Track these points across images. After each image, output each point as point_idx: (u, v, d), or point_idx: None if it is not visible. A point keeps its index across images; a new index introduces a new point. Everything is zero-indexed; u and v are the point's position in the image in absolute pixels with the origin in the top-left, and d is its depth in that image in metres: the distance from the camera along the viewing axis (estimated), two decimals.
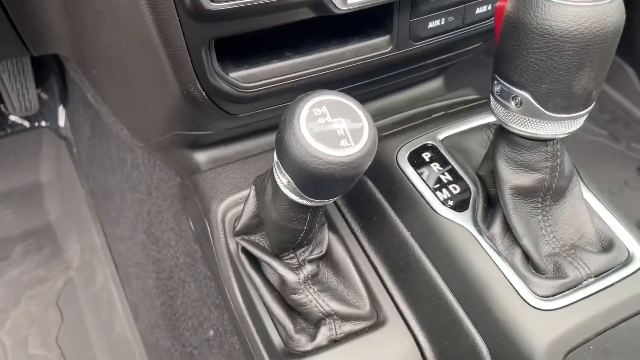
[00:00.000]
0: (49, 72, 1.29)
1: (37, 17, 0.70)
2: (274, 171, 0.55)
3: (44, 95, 1.34)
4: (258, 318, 0.69)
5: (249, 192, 0.66)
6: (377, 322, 0.66)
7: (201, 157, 0.80)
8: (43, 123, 1.35)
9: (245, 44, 0.62)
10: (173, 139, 0.76)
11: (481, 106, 0.75)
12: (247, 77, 0.63)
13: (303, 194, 0.53)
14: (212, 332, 0.89)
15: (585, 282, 0.58)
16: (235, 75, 0.62)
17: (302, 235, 0.61)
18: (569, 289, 0.57)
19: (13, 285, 1.17)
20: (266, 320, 0.68)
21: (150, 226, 1.01)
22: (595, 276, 0.58)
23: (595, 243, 0.61)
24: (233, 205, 0.74)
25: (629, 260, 0.60)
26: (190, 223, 0.85)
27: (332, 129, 0.48)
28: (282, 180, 0.53)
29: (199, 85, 0.60)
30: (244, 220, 0.67)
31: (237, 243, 0.70)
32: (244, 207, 0.67)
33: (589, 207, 0.63)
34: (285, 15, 0.58)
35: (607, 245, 0.61)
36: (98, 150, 1.17)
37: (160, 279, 0.99)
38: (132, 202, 1.06)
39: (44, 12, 0.69)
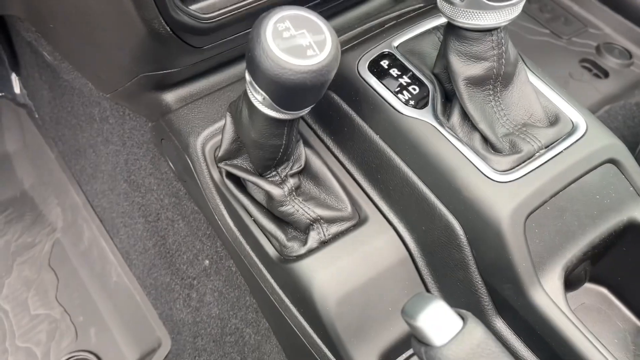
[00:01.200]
0: None
1: None
2: (248, 91, 0.59)
3: None
4: (251, 235, 0.75)
5: (225, 119, 0.70)
6: (359, 220, 0.72)
7: (170, 97, 0.83)
8: None
9: None
10: (140, 82, 0.79)
11: (428, 11, 0.80)
12: (207, 7, 0.66)
13: (279, 107, 0.57)
14: (207, 262, 0.95)
15: (537, 154, 0.65)
16: (195, 7, 0.65)
17: (281, 150, 0.66)
18: (524, 162, 0.64)
19: (2, 255, 1.20)
20: (258, 235, 0.74)
21: (130, 174, 1.04)
22: (546, 147, 0.66)
23: (544, 119, 0.68)
24: (210, 136, 0.78)
25: (573, 129, 0.67)
26: (170, 163, 0.88)
27: (298, 41, 0.52)
28: (257, 97, 0.57)
29: (162, 20, 0.62)
30: (224, 146, 0.71)
31: (220, 171, 0.75)
32: (222, 134, 0.71)
33: (535, 88, 0.70)
34: None
35: (554, 119, 0.68)
36: (62, 111, 1.18)
37: (148, 222, 1.03)
38: (108, 155, 1.08)
39: None
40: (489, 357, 0.44)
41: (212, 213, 0.81)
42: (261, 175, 0.71)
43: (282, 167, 0.71)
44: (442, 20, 0.76)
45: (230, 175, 0.74)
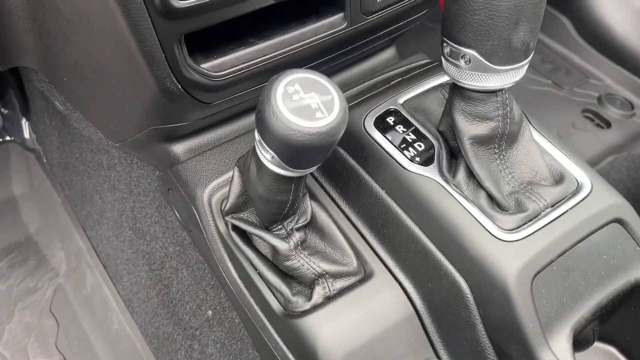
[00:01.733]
0: (7, 86, 1.29)
1: (3, 32, 0.72)
2: (257, 149, 0.60)
3: (5, 110, 1.34)
4: (255, 289, 0.75)
5: (233, 173, 0.71)
6: (365, 275, 0.72)
7: (178, 148, 0.84)
8: (8, 138, 1.35)
9: (210, 35, 0.66)
10: (150, 134, 0.80)
11: (434, 68, 0.82)
12: (217, 66, 0.67)
13: (287, 166, 0.58)
14: (210, 312, 0.94)
15: (543, 213, 0.65)
16: (206, 65, 0.66)
17: (288, 205, 0.66)
18: (530, 220, 0.65)
19: (4, 299, 1.19)
20: (263, 289, 0.73)
21: (135, 222, 1.04)
22: (552, 206, 0.66)
23: (549, 178, 0.69)
24: (217, 189, 0.79)
25: (578, 189, 0.68)
26: (176, 213, 0.89)
27: (307, 103, 0.54)
28: (266, 156, 0.58)
29: (174, 79, 0.64)
30: (231, 200, 0.72)
31: (226, 223, 0.75)
32: (230, 188, 0.72)
33: (539, 147, 0.70)
34: (247, 4, 0.62)
35: (559, 178, 0.69)
36: (70, 157, 1.19)
37: (152, 270, 1.03)
38: (114, 202, 1.09)
39: (10, 27, 0.71)
40: None
41: (216, 264, 0.81)
42: (267, 228, 0.71)
43: (288, 220, 0.71)
44: (447, 78, 0.77)
45: (236, 228, 0.74)
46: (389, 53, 0.96)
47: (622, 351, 0.74)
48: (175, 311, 0.99)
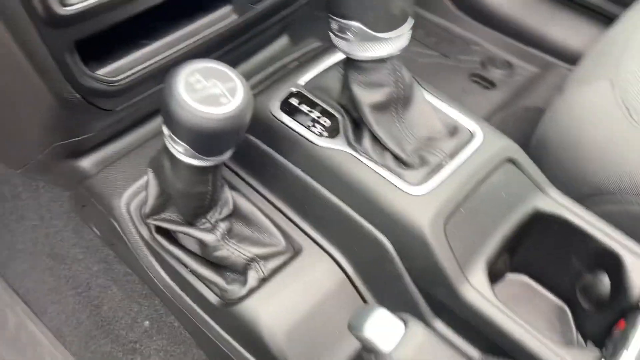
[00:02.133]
0: None
1: None
2: (168, 144, 0.61)
3: None
4: (189, 286, 0.75)
5: (148, 176, 0.71)
6: (294, 252, 0.75)
7: (87, 162, 0.83)
8: None
9: (103, 41, 0.66)
10: (54, 153, 0.78)
11: (328, 49, 0.85)
12: (113, 71, 0.67)
13: (200, 155, 0.59)
14: (147, 323, 0.93)
15: (444, 163, 0.71)
16: (102, 72, 0.66)
17: (208, 196, 0.68)
18: (434, 172, 0.70)
19: None
20: (197, 285, 0.74)
21: (52, 248, 1.01)
22: (451, 156, 0.72)
23: (444, 132, 0.75)
24: (133, 195, 0.78)
25: (471, 137, 0.74)
26: (95, 229, 0.87)
27: (210, 91, 0.55)
28: (178, 149, 0.59)
29: (71, 88, 0.63)
30: (150, 202, 0.72)
31: (149, 227, 0.75)
32: (147, 191, 0.72)
33: (432, 106, 0.76)
34: (134, 5, 0.63)
35: (453, 131, 0.75)
36: None
37: (78, 293, 1.00)
38: (24, 232, 1.04)
39: None
40: (434, 352, 0.47)
41: (145, 272, 0.80)
42: (191, 224, 0.72)
43: (211, 213, 0.72)
44: (342, 56, 0.81)
45: (160, 230, 0.74)
46: (282, 41, 1.00)
47: (533, 277, 0.82)
48: (110, 329, 0.97)
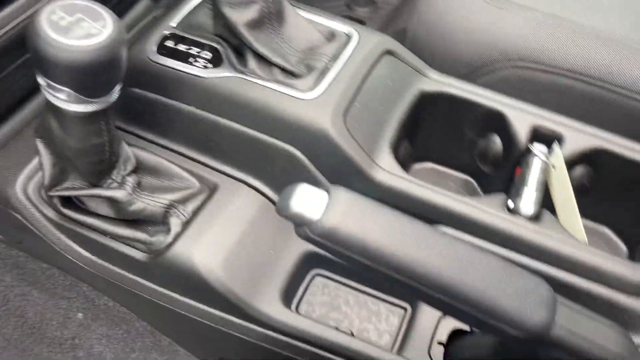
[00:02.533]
0: None
1: None
2: (49, 96, 0.58)
3: None
4: (113, 252, 0.73)
5: (38, 147, 0.68)
6: (211, 190, 0.75)
7: None
8: None
9: None
10: None
11: None
12: None
13: (85, 98, 0.57)
14: (80, 314, 0.89)
15: (329, 67, 0.74)
16: None
17: (107, 148, 0.66)
18: (322, 76, 0.73)
19: None
20: (120, 247, 0.72)
21: None
22: (334, 59, 0.75)
23: (323, 39, 0.77)
24: (27, 179, 0.74)
25: (349, 38, 0.78)
26: None
27: (77, 25, 0.54)
28: (61, 96, 0.57)
29: None
30: (47, 173, 0.68)
31: (53, 205, 0.72)
32: (41, 163, 0.68)
33: (305, 17, 0.79)
34: None
35: (331, 37, 0.78)
36: None
37: None
38: None
39: None
40: (361, 209, 0.50)
41: (64, 257, 0.77)
42: (97, 186, 0.70)
43: (115, 171, 0.70)
44: None
45: (66, 202, 0.71)
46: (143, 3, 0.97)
47: (436, 162, 0.88)
48: (43, 334, 0.92)
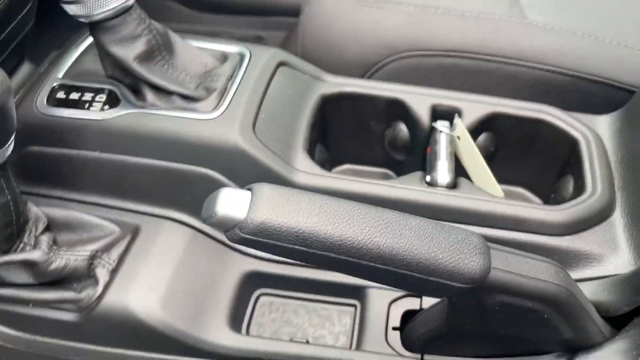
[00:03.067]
0: None
1: None
2: None
3: None
4: (39, 322, 0.68)
5: None
6: (133, 233, 0.72)
7: None
8: None
9: None
10: None
11: (73, 39, 0.83)
12: None
13: None
14: None
15: (228, 85, 0.75)
16: None
17: (12, 208, 0.62)
18: (223, 95, 0.73)
19: None
20: (47, 313, 0.68)
21: None
22: (232, 78, 0.76)
23: (217, 62, 0.79)
24: None
25: (241, 56, 0.79)
26: None
27: None
28: None
29: None
30: None
31: None
32: None
33: (194, 44, 0.80)
34: None
35: (224, 57, 0.79)
36: None
37: None
38: None
39: None
40: (286, 199, 0.50)
41: None
42: (7, 252, 0.65)
43: (26, 234, 0.66)
44: (88, 40, 0.80)
45: None
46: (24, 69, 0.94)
47: (353, 162, 0.90)
48: None
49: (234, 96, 0.73)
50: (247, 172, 0.71)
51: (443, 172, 0.72)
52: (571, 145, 0.77)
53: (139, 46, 0.70)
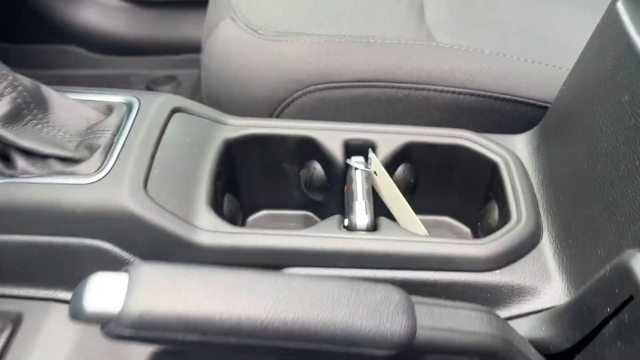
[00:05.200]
0: None
1: None
2: None
3: None
4: None
5: None
6: (14, 322, 0.62)
7: None
8: None
9: None
10: None
11: None
12: None
13: None
14: None
15: (114, 141, 0.66)
16: None
17: None
18: (108, 152, 0.65)
19: None
20: None
21: None
22: (117, 132, 0.67)
23: (101, 116, 0.70)
24: None
25: (129, 106, 0.71)
26: None
27: None
28: None
29: None
30: None
31: None
32: None
33: (75, 99, 0.71)
34: None
35: (109, 110, 0.71)
36: None
37: None
38: None
39: None
40: (170, 278, 0.42)
41: None
42: None
43: None
44: None
45: None
46: None
47: (270, 207, 0.83)
48: None
49: (121, 152, 0.65)
50: (142, 239, 0.62)
51: (361, 213, 0.67)
52: (491, 169, 0.74)
53: (2, 107, 0.61)
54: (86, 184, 0.62)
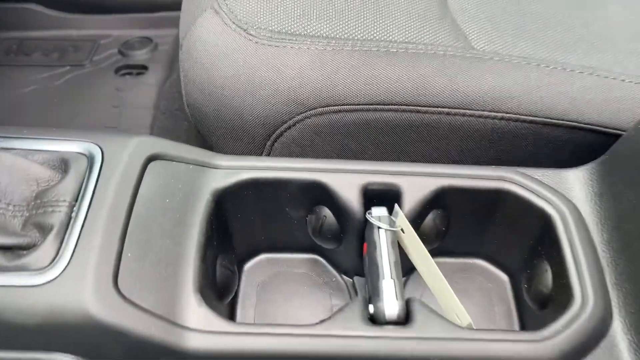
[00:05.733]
0: None
1: None
2: None
3: None
4: None
5: None
6: None
7: None
8: None
9: None
10: None
11: None
12: None
13: None
14: None
15: (73, 215, 0.51)
16: None
17: None
18: (65, 234, 0.50)
19: None
20: None
21: None
22: (76, 202, 0.52)
23: (53, 174, 0.54)
24: None
25: (90, 158, 0.56)
26: None
27: None
28: None
29: None
30: None
31: None
32: None
33: (16, 146, 0.55)
34: None
35: (63, 166, 0.55)
36: None
37: None
38: None
39: None
40: None
41: None
42: None
43: None
44: None
45: None
46: None
47: (270, 251, 0.70)
48: None
49: (82, 233, 0.50)
50: (115, 349, 0.49)
51: (390, 300, 0.53)
52: (543, 221, 0.60)
53: None
54: (38, 285, 0.47)
